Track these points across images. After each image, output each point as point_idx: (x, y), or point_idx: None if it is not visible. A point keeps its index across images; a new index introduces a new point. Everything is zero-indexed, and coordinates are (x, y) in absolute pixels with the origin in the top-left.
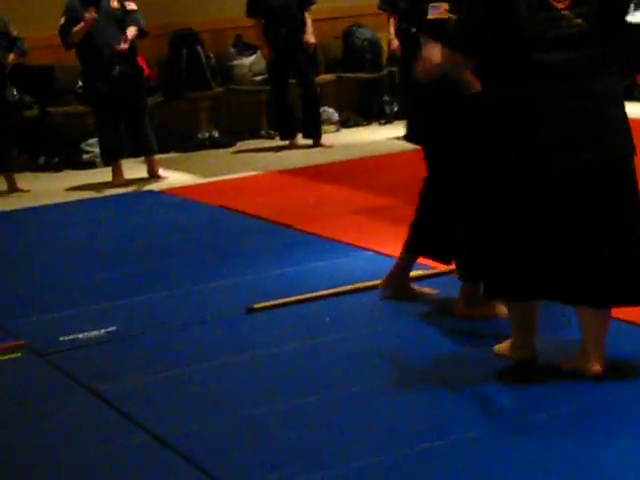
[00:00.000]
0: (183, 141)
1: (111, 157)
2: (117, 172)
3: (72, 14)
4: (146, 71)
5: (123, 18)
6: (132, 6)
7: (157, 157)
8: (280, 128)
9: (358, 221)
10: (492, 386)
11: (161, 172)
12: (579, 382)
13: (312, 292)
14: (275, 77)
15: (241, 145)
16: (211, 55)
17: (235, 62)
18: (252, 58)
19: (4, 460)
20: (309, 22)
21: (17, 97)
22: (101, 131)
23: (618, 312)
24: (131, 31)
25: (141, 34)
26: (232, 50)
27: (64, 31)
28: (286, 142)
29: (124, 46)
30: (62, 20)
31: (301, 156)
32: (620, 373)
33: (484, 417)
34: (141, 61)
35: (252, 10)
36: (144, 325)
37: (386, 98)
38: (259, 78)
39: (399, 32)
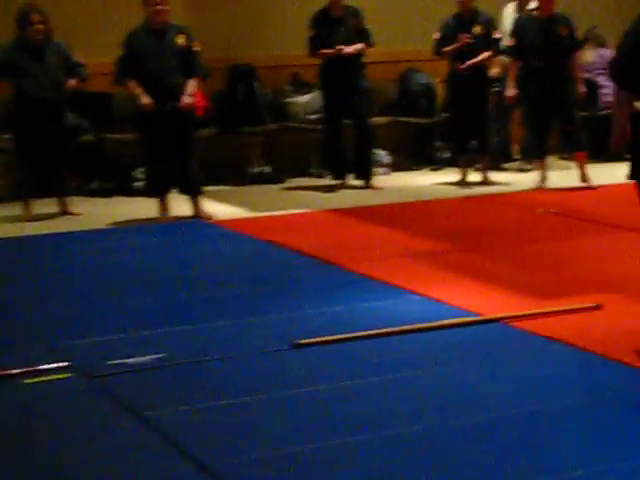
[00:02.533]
0: (234, 174)
1: (155, 192)
2: (163, 208)
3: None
4: (202, 102)
5: (186, 56)
6: (197, 47)
7: (206, 193)
8: (332, 168)
9: (407, 264)
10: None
11: (207, 212)
12: None
13: (359, 332)
14: (330, 117)
15: (290, 182)
16: (267, 91)
17: (290, 99)
18: (307, 97)
19: None
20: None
21: (74, 122)
22: (148, 164)
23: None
24: (192, 86)
25: (203, 79)
26: (288, 87)
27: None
28: (337, 182)
29: (188, 101)
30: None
31: (351, 197)
32: None
33: None
34: (198, 93)
35: (314, 49)
36: (191, 354)
37: (438, 144)
38: (313, 117)
39: None
